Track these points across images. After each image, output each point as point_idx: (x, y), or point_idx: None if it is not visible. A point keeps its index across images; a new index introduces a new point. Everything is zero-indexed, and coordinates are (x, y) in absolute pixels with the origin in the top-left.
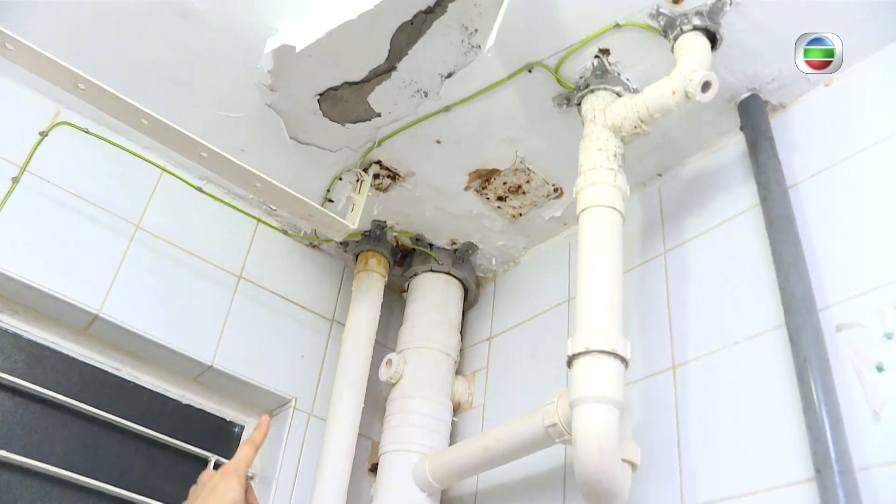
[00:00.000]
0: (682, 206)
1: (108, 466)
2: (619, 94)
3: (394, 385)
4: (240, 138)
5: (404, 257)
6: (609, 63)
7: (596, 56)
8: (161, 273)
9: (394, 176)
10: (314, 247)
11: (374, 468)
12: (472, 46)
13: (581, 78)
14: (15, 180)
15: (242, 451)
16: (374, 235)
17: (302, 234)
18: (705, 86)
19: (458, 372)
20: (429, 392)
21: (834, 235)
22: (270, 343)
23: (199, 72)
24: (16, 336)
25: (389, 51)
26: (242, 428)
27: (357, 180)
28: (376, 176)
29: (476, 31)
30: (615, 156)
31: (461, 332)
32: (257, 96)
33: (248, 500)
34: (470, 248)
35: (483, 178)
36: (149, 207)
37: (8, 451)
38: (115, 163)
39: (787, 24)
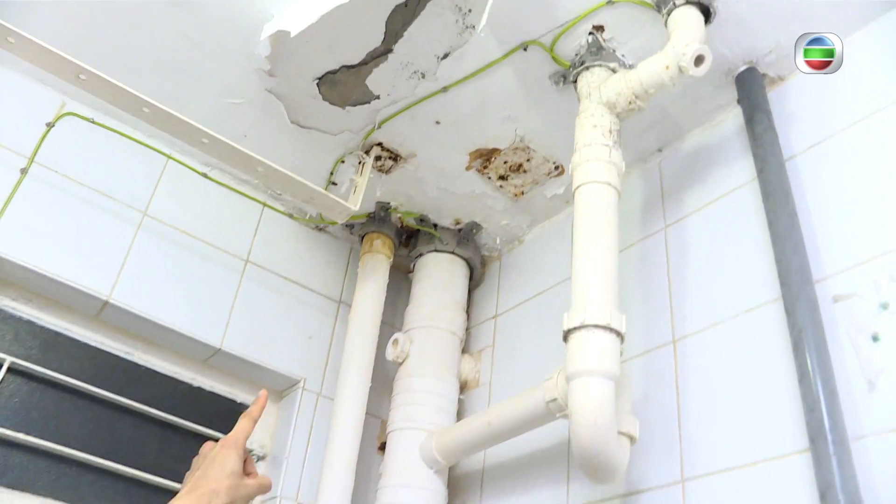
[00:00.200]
0: (682, 181)
1: (122, 448)
2: (614, 71)
3: (400, 364)
4: (242, 124)
5: (409, 238)
6: (603, 39)
7: (590, 33)
8: (169, 259)
9: (395, 157)
10: (320, 230)
11: (383, 447)
12: (467, 27)
13: (576, 55)
14: (24, 171)
15: (241, 425)
16: (379, 217)
17: (307, 217)
18: (698, 60)
19: (464, 350)
20: (434, 370)
21: (832, 207)
22: (278, 325)
23: (198, 60)
24: (30, 323)
25: (385, 33)
26: None
27: (359, 162)
28: (378, 158)
29: (469, 11)
30: (610, 132)
31: (468, 312)
32: (257, 82)
33: (246, 470)
34: (474, 227)
35: (484, 158)
36: (155, 194)
37: (26, 434)
38: (121, 151)
39: None
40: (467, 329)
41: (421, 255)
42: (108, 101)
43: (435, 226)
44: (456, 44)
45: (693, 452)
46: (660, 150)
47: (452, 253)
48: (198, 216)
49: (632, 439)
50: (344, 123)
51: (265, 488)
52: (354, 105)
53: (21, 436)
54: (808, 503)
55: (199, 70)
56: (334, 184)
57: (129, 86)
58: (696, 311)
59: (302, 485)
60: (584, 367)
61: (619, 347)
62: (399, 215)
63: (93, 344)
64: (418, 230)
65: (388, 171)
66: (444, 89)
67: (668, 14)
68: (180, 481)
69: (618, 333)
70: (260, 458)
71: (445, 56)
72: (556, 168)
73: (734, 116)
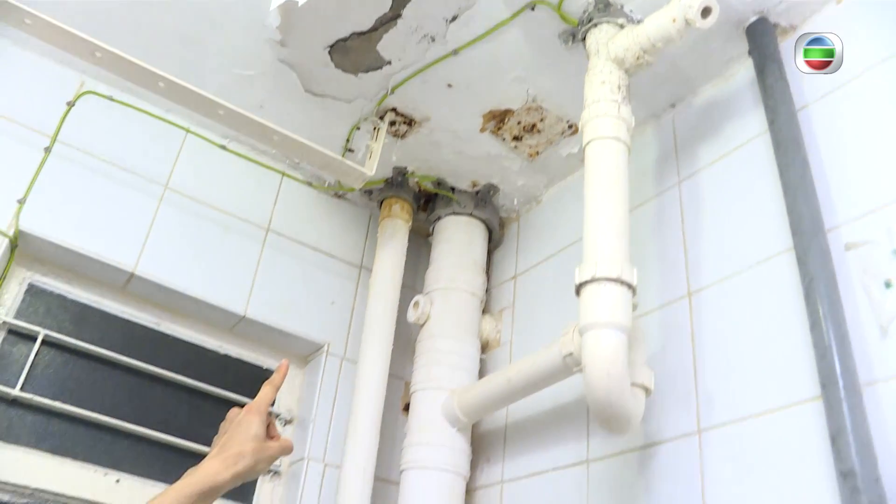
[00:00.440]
0: (696, 135)
1: (153, 414)
2: (622, 27)
3: (422, 326)
4: (257, 95)
5: (427, 202)
6: None
7: None
8: (191, 230)
9: (410, 122)
10: (339, 197)
11: (407, 407)
12: None
13: (584, 12)
14: (47, 150)
15: (263, 392)
16: (396, 182)
17: (326, 185)
18: (705, 11)
19: (485, 311)
20: (455, 331)
21: (844, 156)
22: (301, 292)
23: (210, 32)
24: (61, 297)
25: None
26: None
27: (374, 128)
28: (392, 123)
29: None
30: (619, 87)
31: (487, 273)
32: (270, 52)
33: (269, 434)
34: (491, 189)
35: (497, 119)
36: (176, 167)
37: (62, 402)
38: (141, 127)
39: None
40: (487, 290)
41: (439, 218)
42: (124, 77)
43: (452, 189)
44: (464, 6)
45: (709, 403)
46: (673, 106)
47: (470, 215)
48: (218, 187)
49: (647, 391)
50: (357, 90)
51: (287, 450)
52: (367, 71)
53: (58, 404)
54: (821, 449)
55: (211, 43)
56: (351, 151)
57: (144, 61)
58: (711, 264)
59: (328, 446)
60: (596, 320)
61: (630, 300)
62: (416, 180)
63: (121, 315)
64: (436, 194)
65: (403, 136)
66: (455, 52)
67: None
68: (209, 445)
69: (629, 286)
70: (287, 422)
71: (454, 19)
72: (570, 127)
73: (746, 69)
